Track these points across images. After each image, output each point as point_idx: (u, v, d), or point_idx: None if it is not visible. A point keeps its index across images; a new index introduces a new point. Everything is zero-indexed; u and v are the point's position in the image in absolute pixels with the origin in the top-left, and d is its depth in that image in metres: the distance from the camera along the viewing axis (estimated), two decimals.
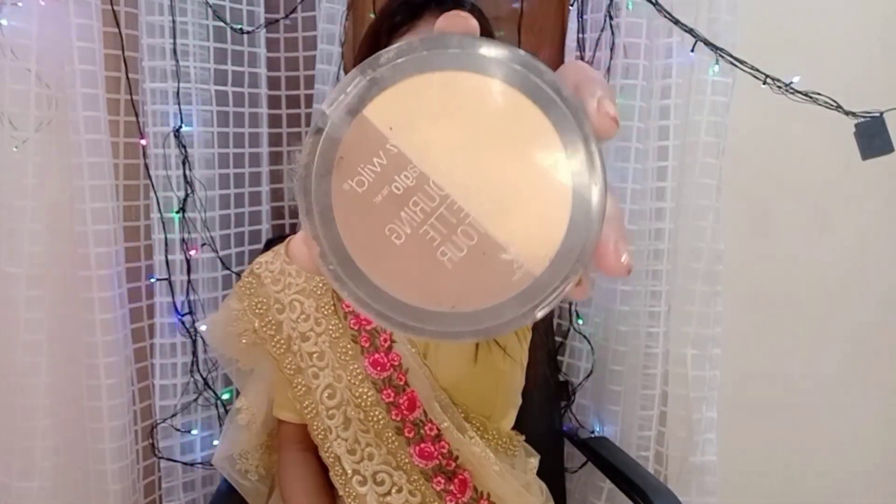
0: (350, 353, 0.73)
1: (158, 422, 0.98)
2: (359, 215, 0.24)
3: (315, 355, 0.73)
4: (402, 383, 0.72)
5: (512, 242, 0.23)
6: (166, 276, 0.96)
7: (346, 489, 0.71)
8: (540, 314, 0.23)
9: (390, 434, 0.72)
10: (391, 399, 0.72)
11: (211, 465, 0.98)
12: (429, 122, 0.23)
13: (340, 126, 0.24)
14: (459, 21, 0.24)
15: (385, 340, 0.73)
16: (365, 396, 0.72)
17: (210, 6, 0.95)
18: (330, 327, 0.74)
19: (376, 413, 0.72)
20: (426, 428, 0.72)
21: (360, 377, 0.72)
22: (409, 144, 0.23)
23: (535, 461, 0.82)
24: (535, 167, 0.23)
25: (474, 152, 0.23)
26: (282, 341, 0.75)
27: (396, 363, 0.73)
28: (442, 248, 0.23)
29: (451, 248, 0.23)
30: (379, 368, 0.73)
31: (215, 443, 1.01)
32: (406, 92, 0.24)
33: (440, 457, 0.72)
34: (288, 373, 0.74)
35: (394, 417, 0.72)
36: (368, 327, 0.74)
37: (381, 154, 0.23)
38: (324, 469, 0.74)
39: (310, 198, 0.24)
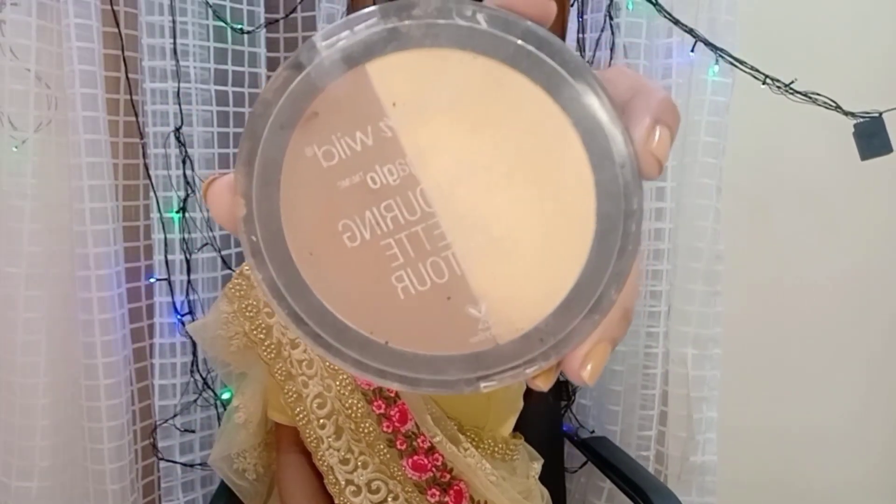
0: None
1: (159, 423, 0.98)
2: (311, 193, 0.18)
3: (304, 363, 0.72)
4: (392, 395, 0.71)
5: (487, 297, 0.18)
6: (166, 276, 0.96)
7: (341, 499, 0.70)
8: (484, 387, 0.18)
9: (382, 446, 0.71)
10: (382, 410, 0.71)
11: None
12: (447, 119, 0.18)
13: (330, 72, 0.18)
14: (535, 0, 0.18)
15: None
16: (355, 407, 0.70)
17: (210, 6, 0.95)
18: None
19: (367, 425, 0.70)
20: (419, 440, 0.70)
21: (349, 388, 0.71)
22: (410, 134, 0.18)
23: (537, 465, 0.80)
24: (555, 220, 0.18)
25: (488, 177, 0.18)
26: (272, 346, 0.73)
27: None
28: (400, 273, 0.18)
29: (411, 276, 0.18)
30: None
31: None
32: (432, 65, 0.17)
33: (434, 469, 0.71)
34: (279, 378, 0.73)
35: (385, 429, 0.70)
36: None
37: (370, 131, 0.18)
38: None
39: (256, 144, 0.18)
